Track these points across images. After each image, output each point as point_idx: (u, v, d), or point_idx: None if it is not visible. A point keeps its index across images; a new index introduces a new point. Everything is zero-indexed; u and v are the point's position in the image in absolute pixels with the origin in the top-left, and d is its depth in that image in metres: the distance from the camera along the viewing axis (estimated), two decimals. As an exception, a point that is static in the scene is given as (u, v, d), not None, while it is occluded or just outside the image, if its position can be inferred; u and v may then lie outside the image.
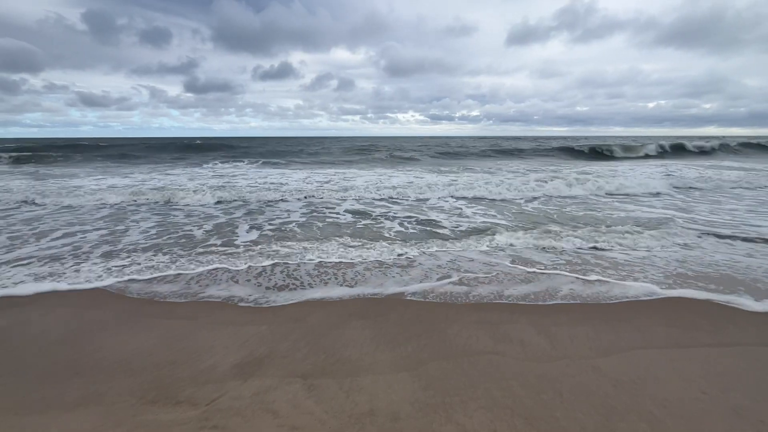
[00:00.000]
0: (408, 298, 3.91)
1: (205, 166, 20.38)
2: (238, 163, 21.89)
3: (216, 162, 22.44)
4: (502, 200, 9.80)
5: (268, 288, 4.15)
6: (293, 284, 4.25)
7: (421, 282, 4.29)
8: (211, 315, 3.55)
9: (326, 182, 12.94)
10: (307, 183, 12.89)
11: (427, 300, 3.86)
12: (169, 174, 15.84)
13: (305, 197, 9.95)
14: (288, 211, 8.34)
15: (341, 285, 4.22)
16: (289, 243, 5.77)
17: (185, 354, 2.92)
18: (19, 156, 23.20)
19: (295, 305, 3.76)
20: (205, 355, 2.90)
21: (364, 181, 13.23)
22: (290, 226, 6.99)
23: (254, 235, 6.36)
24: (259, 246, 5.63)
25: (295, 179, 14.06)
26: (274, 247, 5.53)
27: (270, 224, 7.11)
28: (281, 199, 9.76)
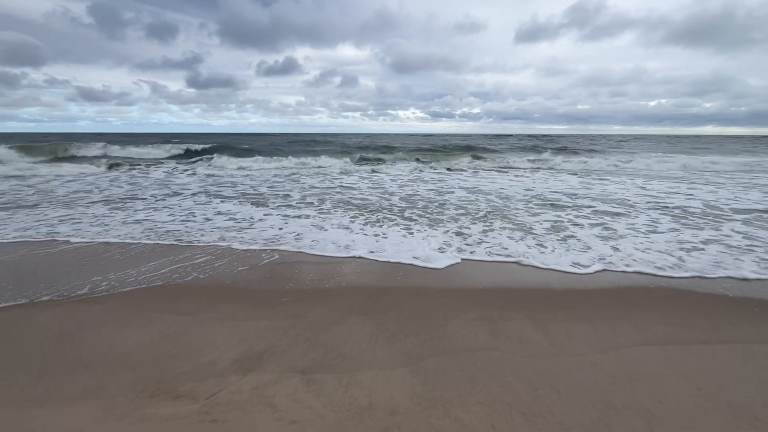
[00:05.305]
0: (407, 294, 3.92)
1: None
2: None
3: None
4: None
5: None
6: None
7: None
8: (212, 310, 3.56)
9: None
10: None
11: (426, 297, 3.88)
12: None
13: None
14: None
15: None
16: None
17: (186, 348, 2.93)
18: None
19: (295, 301, 3.78)
20: (205, 349, 2.92)
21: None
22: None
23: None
24: None
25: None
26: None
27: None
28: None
